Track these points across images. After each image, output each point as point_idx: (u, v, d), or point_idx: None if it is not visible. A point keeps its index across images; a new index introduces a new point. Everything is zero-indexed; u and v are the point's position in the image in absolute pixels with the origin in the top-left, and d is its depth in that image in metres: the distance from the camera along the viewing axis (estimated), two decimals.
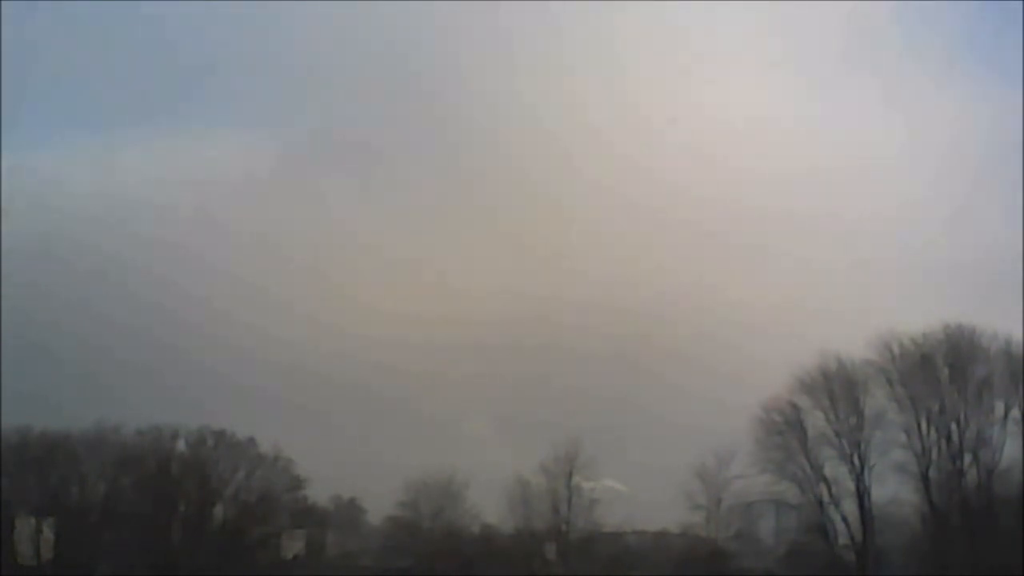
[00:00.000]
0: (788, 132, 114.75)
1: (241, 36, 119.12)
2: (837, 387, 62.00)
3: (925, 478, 60.00)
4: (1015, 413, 59.61)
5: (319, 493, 73.28)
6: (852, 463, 61.22)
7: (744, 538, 69.06)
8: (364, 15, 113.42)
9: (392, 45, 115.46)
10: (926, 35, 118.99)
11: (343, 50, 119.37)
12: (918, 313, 67.90)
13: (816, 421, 62.59)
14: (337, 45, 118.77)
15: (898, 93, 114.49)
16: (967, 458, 59.92)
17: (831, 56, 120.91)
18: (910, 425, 60.51)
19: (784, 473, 62.89)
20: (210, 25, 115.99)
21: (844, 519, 61.71)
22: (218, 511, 66.54)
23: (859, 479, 61.10)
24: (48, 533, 61.68)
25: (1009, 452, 59.67)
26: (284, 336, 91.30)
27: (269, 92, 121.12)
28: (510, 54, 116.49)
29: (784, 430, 62.93)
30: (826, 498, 62.08)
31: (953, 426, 59.97)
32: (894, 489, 61.39)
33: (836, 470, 61.96)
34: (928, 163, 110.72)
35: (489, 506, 70.59)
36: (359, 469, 77.98)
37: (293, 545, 68.19)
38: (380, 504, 76.58)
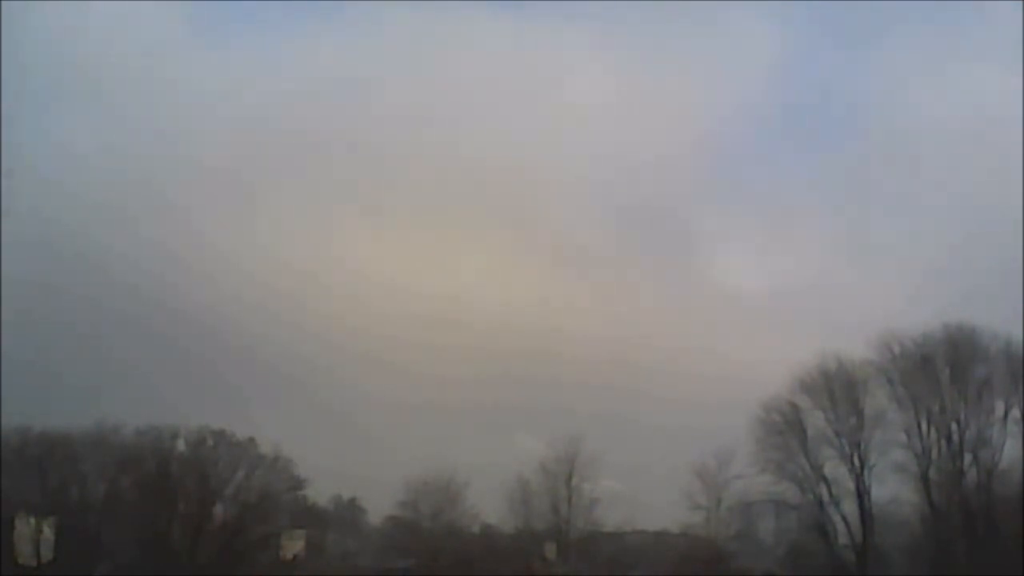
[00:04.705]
0: None
1: None
2: (837, 387, 62.02)
3: (925, 478, 60.00)
4: (1015, 413, 59.63)
5: (319, 493, 73.48)
6: (852, 463, 61.24)
7: (744, 538, 69.06)
8: None
9: None
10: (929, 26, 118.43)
11: None
12: (918, 313, 68.01)
13: (816, 421, 62.70)
14: None
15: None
16: (967, 458, 59.92)
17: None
18: (910, 425, 60.57)
19: (784, 473, 62.92)
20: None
21: (844, 519, 61.72)
22: (218, 511, 66.44)
23: (859, 479, 61.12)
24: (48, 533, 61.41)
25: (1009, 452, 59.70)
26: (284, 336, 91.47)
27: None
28: None
29: (784, 430, 62.96)
30: (826, 498, 62.12)
31: (953, 426, 59.99)
32: (894, 489, 61.51)
33: (836, 470, 62.05)
34: (927, 162, 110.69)
35: (489, 506, 70.82)
36: (359, 469, 78.10)
37: (293, 545, 68.03)
38: (380, 504, 76.85)
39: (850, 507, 61.43)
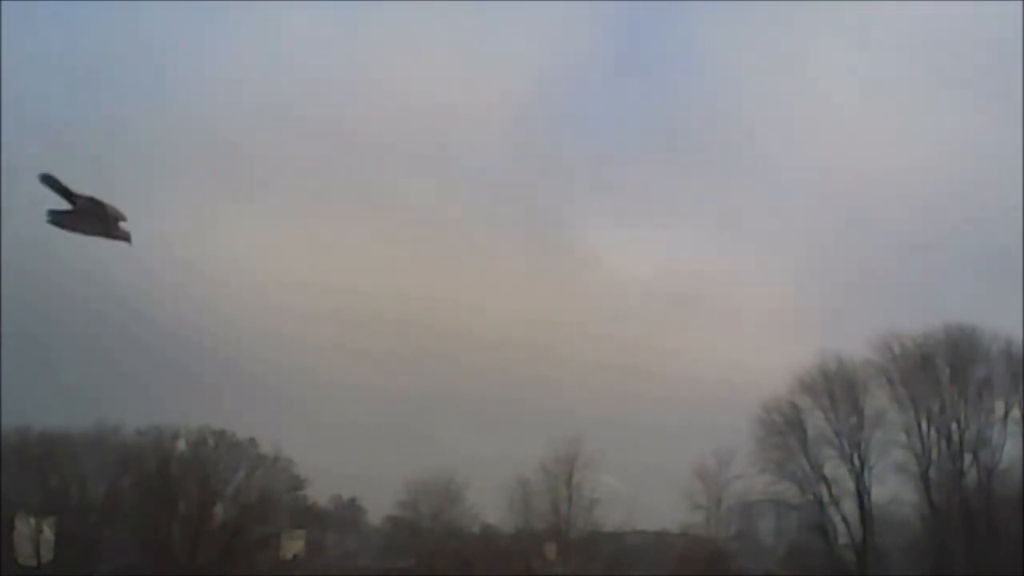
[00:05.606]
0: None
1: None
2: (837, 387, 62.12)
3: (925, 478, 60.09)
4: (1015, 413, 59.82)
5: (319, 493, 73.39)
6: (852, 463, 61.35)
7: (744, 538, 69.17)
8: None
9: None
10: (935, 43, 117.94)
11: None
12: (918, 313, 67.98)
13: (816, 421, 62.85)
14: None
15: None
16: (967, 458, 60.06)
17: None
18: (910, 425, 60.69)
19: (784, 473, 63.01)
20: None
21: (844, 519, 61.82)
22: (218, 511, 66.45)
23: (859, 479, 61.20)
24: (48, 533, 61.47)
25: (1009, 452, 59.95)
26: (284, 335, 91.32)
27: None
28: None
29: (784, 430, 63.05)
30: (826, 498, 62.22)
31: (953, 426, 60.11)
32: (894, 489, 61.70)
33: (836, 470, 62.24)
34: (929, 164, 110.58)
35: (489, 506, 70.80)
36: (359, 469, 77.98)
37: (293, 545, 68.06)
38: (380, 504, 76.75)
39: (850, 507, 61.56)
